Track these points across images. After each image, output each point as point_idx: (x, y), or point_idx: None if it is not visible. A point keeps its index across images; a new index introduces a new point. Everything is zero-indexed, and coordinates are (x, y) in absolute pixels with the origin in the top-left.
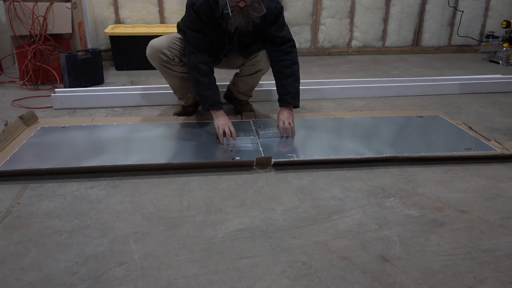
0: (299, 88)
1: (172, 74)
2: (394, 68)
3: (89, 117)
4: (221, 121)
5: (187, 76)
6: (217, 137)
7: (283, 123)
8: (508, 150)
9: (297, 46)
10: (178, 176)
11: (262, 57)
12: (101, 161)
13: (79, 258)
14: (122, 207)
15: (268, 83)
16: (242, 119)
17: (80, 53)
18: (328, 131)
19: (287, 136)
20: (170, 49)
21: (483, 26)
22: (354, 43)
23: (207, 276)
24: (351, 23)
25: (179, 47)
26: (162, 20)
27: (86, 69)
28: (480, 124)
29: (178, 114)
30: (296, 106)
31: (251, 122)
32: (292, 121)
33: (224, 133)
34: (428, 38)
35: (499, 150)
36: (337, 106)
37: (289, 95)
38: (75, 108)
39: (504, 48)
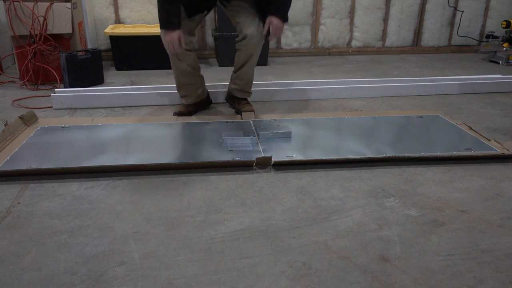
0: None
1: (181, 65)
2: (394, 68)
3: (89, 117)
4: (170, 36)
5: (193, 72)
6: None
7: (276, 30)
8: (508, 150)
9: (297, 46)
10: (178, 176)
11: (251, 39)
12: (101, 161)
13: (79, 258)
14: (122, 207)
15: (267, 83)
16: (242, 119)
17: (80, 53)
18: (328, 131)
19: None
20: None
21: (483, 26)
22: (354, 43)
23: (207, 276)
24: (351, 23)
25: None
26: None
27: (86, 69)
28: (480, 124)
29: (179, 114)
30: (286, 20)
31: (251, 122)
32: (281, 32)
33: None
34: (428, 38)
35: (499, 150)
36: (337, 106)
37: (283, 7)
38: (75, 108)
39: (504, 48)
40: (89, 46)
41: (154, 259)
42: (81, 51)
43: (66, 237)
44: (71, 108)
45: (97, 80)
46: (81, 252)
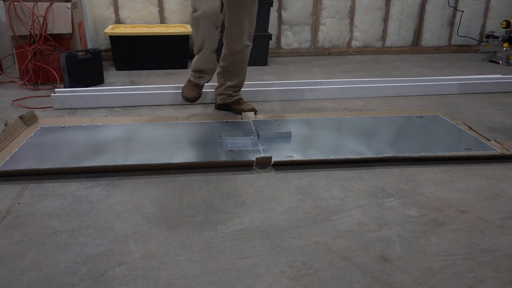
0: None
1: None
2: (394, 68)
3: (89, 117)
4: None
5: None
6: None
7: None
8: (508, 150)
9: (297, 46)
10: (178, 176)
11: (249, 47)
12: (101, 161)
13: (79, 258)
14: (122, 207)
15: (267, 83)
16: (242, 119)
17: (80, 53)
18: (328, 131)
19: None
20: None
21: (483, 26)
22: (354, 43)
23: (207, 276)
24: (351, 23)
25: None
26: (162, 20)
27: (86, 69)
28: (480, 124)
29: (191, 99)
30: None
31: (251, 122)
32: None
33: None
34: (428, 38)
35: (499, 150)
36: (337, 106)
37: None
38: (75, 108)
39: (504, 48)
40: (89, 46)
41: (154, 259)
42: (81, 51)
43: (66, 237)
44: (71, 108)
45: (97, 80)
46: (81, 252)
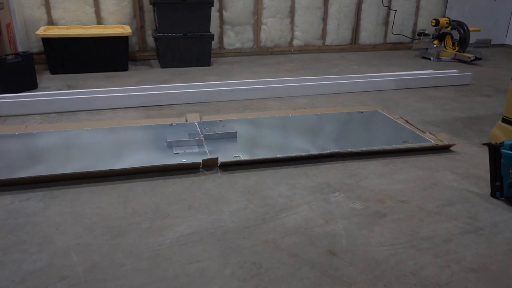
0: None
1: None
2: (334, 66)
3: (22, 124)
4: None
5: None
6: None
7: None
8: (441, 141)
9: (239, 46)
10: (121, 183)
11: None
12: (37, 171)
13: (15, 276)
14: (62, 219)
15: (211, 83)
16: (187, 120)
17: (9, 57)
18: (273, 130)
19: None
20: None
21: (415, 24)
22: (295, 42)
23: (155, 284)
24: (292, 22)
25: None
26: (99, 21)
27: (16, 73)
28: (416, 117)
29: None
30: None
31: (196, 123)
32: None
33: None
34: (365, 36)
35: (433, 142)
36: (281, 104)
37: None
38: (6, 116)
39: (435, 45)
40: (20, 49)
41: (99, 270)
42: (11, 54)
43: (0, 255)
44: (1, 116)
45: (30, 85)
46: (18, 269)
